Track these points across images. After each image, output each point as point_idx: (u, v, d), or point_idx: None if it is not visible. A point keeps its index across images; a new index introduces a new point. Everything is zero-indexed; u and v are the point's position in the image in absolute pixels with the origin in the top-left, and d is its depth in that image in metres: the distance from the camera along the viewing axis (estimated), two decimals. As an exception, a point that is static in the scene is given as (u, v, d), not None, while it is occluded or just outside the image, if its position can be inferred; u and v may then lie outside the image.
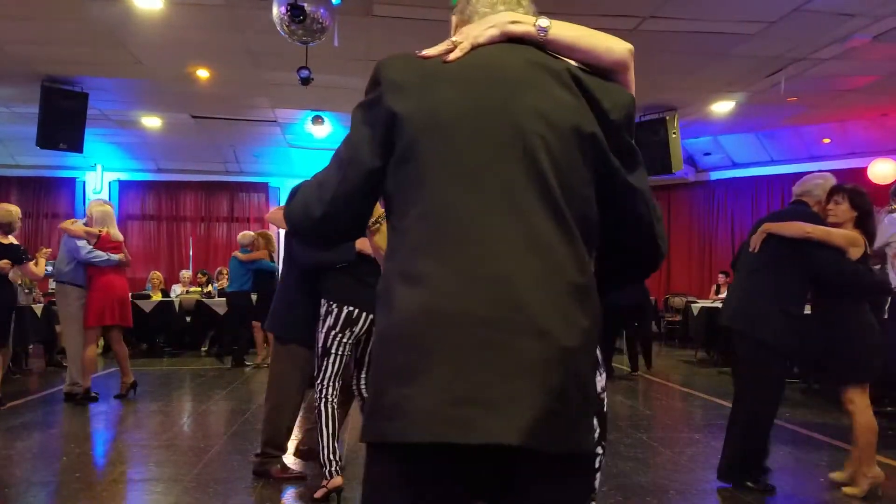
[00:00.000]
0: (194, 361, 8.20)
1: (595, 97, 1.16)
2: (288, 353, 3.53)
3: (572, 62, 1.19)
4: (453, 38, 1.19)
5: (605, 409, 1.24)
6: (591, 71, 1.20)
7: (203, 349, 9.74)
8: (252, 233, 8.31)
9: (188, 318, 9.55)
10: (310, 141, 10.33)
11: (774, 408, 3.52)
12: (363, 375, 3.49)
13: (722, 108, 8.69)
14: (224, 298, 8.61)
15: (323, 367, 3.24)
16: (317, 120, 8.68)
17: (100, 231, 5.85)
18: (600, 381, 1.21)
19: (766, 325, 3.40)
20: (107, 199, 9.04)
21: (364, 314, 3.21)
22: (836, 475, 3.64)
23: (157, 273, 10.67)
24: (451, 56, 1.16)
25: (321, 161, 10.36)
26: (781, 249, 3.44)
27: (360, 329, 3.25)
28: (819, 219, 3.53)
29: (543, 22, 1.19)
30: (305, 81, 6.14)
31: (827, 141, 10.21)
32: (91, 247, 5.74)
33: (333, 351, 3.22)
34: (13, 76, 7.36)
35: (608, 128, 1.16)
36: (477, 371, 1.00)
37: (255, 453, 3.78)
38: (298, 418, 3.87)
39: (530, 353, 1.01)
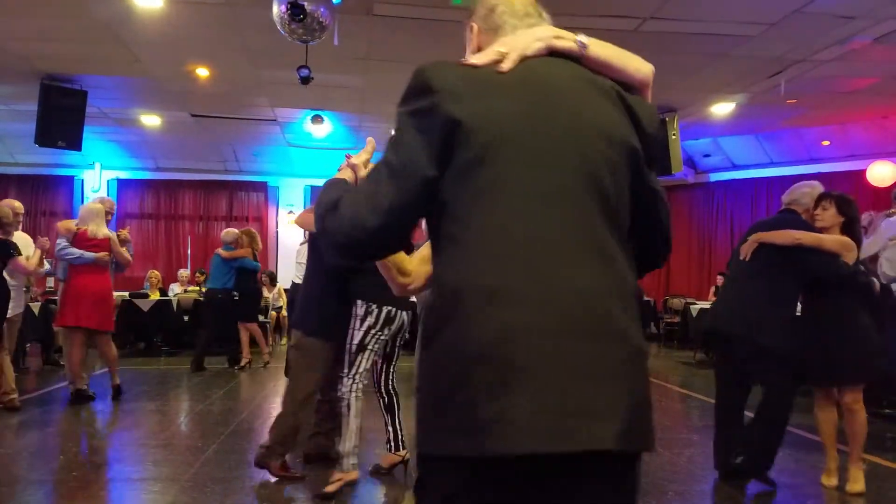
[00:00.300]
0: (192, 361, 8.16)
1: (635, 112, 1.23)
2: (315, 350, 3.60)
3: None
4: (498, 49, 1.20)
5: None
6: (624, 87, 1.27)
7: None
8: (236, 230, 8.16)
9: (186, 318, 9.53)
10: (309, 140, 10.32)
11: (789, 409, 3.59)
12: (392, 370, 3.78)
13: (722, 109, 8.69)
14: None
15: (357, 363, 3.44)
16: (316, 119, 8.66)
17: (77, 228, 5.73)
18: None
19: (765, 330, 3.46)
20: (105, 196, 8.91)
21: (400, 312, 3.48)
22: (827, 480, 3.65)
23: (156, 272, 10.65)
24: (504, 67, 1.17)
25: (321, 160, 10.40)
26: (773, 257, 3.52)
27: (396, 327, 3.52)
28: (809, 226, 3.59)
29: (584, 39, 1.26)
30: (305, 80, 6.12)
31: (826, 143, 10.21)
32: (66, 243, 5.65)
33: (369, 347, 3.45)
34: (12, 73, 7.34)
35: (644, 140, 1.23)
36: (572, 380, 1.03)
37: (261, 444, 3.78)
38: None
39: (618, 358, 1.08)
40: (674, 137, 8.48)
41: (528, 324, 1.04)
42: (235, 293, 7.71)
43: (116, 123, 9.69)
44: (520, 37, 1.24)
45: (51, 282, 11.54)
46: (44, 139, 7.67)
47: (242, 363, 7.92)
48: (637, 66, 1.30)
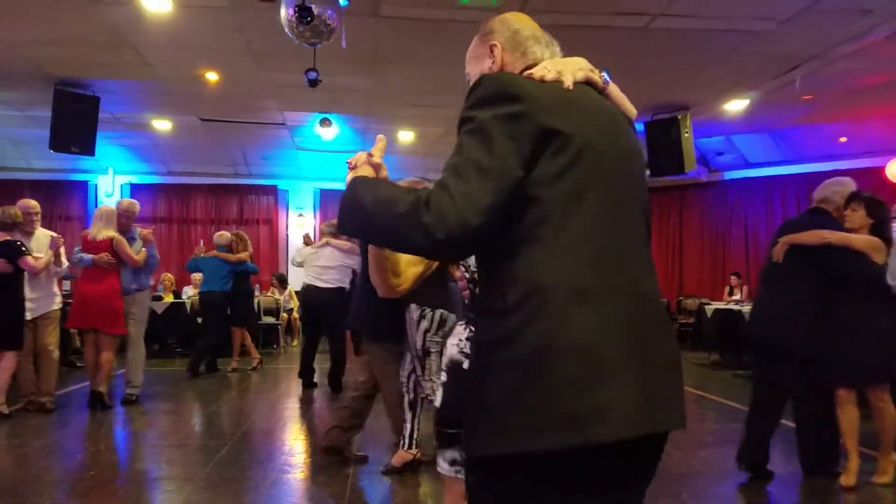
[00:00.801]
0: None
1: (637, 139, 1.44)
2: (386, 353, 3.85)
3: None
4: (557, 69, 1.31)
5: None
6: None
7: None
8: (228, 233, 8.19)
9: (199, 320, 9.56)
10: (318, 143, 10.34)
11: (828, 405, 3.61)
12: (425, 368, 3.84)
13: (735, 106, 8.61)
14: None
15: (427, 366, 3.59)
16: (324, 122, 8.67)
17: (84, 232, 5.99)
18: None
19: (792, 335, 3.48)
20: (129, 198, 8.73)
21: (450, 315, 3.54)
22: (845, 480, 3.59)
23: (169, 275, 10.71)
24: (568, 85, 1.30)
25: (329, 163, 10.38)
26: (803, 259, 3.53)
27: (448, 329, 3.55)
28: (839, 225, 3.57)
29: (606, 76, 1.45)
30: (313, 83, 6.13)
31: (843, 140, 10.08)
32: (77, 248, 5.83)
33: (432, 350, 3.55)
34: (26, 79, 7.40)
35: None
36: (655, 374, 1.21)
37: (335, 425, 4.00)
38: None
39: (674, 355, 1.29)
40: (686, 135, 8.41)
41: (617, 323, 1.18)
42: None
43: (128, 128, 9.75)
44: (567, 63, 1.37)
45: (67, 284, 11.67)
46: (57, 144, 7.73)
47: (234, 366, 7.87)
48: (630, 107, 1.49)
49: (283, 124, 9.59)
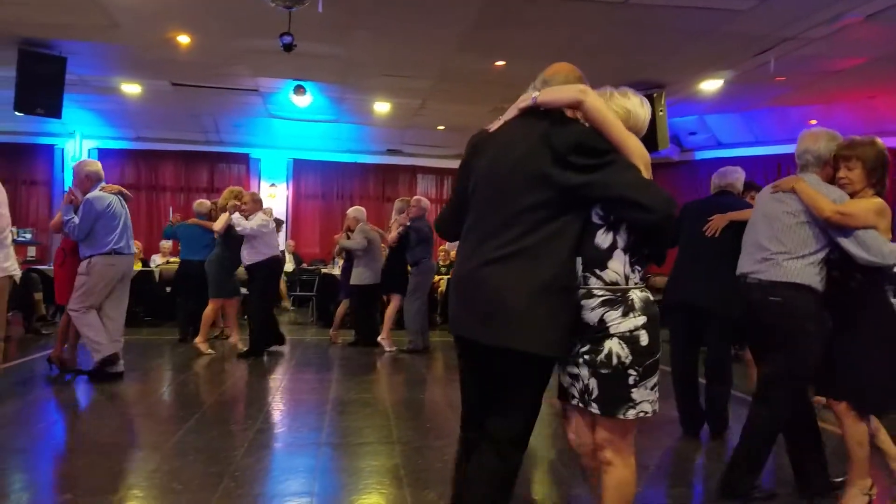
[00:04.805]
0: (174, 332, 8.10)
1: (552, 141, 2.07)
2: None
3: None
4: (499, 117, 2.19)
5: None
6: None
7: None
8: (208, 202, 8.07)
9: (168, 289, 9.45)
10: (291, 111, 10.19)
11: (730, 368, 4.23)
12: None
13: (710, 86, 8.67)
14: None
15: None
16: (299, 90, 8.54)
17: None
18: None
19: (733, 305, 3.43)
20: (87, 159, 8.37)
21: None
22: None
23: (137, 243, 10.51)
24: (490, 128, 2.21)
25: (303, 133, 10.26)
26: (734, 237, 3.67)
27: None
28: (747, 204, 4.00)
29: (534, 94, 2.09)
30: (288, 48, 6.03)
31: (813, 122, 10.22)
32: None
33: None
34: (-12, 38, 7.16)
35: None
36: (462, 302, 2.19)
37: None
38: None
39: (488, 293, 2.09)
40: (661, 114, 8.46)
41: (455, 280, 2.18)
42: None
43: (96, 91, 9.49)
44: (513, 106, 2.10)
45: (32, 251, 11.42)
46: (22, 106, 7.52)
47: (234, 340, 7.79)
48: (561, 95, 2.00)
49: (257, 91, 9.43)
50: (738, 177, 4.28)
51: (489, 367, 2.04)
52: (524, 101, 2.03)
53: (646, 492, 3.21)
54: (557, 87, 2.01)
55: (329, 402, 4.91)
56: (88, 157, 11.92)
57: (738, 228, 3.61)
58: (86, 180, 5.52)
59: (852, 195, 2.90)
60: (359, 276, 7.51)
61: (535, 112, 2.01)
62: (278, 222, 6.64)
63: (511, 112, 2.06)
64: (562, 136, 1.92)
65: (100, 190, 5.51)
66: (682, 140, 11.95)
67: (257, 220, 6.78)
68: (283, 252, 7.70)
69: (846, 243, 2.82)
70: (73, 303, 5.40)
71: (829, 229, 2.86)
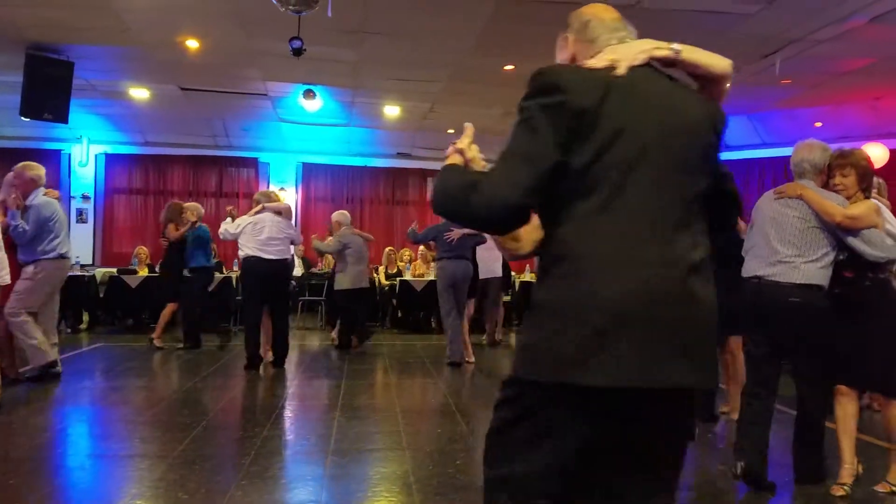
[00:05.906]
0: (181, 338, 8.10)
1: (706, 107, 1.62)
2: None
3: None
4: (611, 57, 1.44)
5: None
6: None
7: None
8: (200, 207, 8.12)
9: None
10: (301, 116, 10.18)
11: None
12: None
13: (717, 89, 8.61)
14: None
15: None
16: (308, 94, 8.53)
17: None
18: None
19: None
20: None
21: None
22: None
23: (144, 248, 10.53)
24: (619, 72, 1.42)
25: (312, 136, 10.24)
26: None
27: None
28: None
29: (676, 46, 1.55)
30: (297, 52, 6.01)
31: (819, 125, 10.16)
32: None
33: None
34: (-4, 42, 7.17)
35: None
36: (656, 332, 1.37)
37: None
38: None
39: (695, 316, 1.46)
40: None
41: (635, 287, 1.35)
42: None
43: (104, 96, 9.51)
44: (631, 47, 1.48)
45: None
46: (29, 111, 7.53)
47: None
48: (718, 62, 1.61)
49: (266, 95, 9.42)
50: None
51: (625, 431, 1.40)
52: (658, 48, 1.51)
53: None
54: (707, 53, 1.59)
55: (338, 408, 4.88)
56: (95, 162, 11.96)
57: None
58: (30, 183, 5.50)
59: (846, 199, 3.20)
60: (338, 281, 7.64)
61: (653, 67, 1.51)
62: (277, 211, 6.51)
63: (633, 53, 1.47)
64: (723, 121, 1.60)
65: (43, 195, 5.53)
66: (689, 143, 11.88)
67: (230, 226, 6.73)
68: (292, 256, 7.67)
69: (855, 243, 3.10)
70: (12, 306, 5.25)
71: (838, 231, 3.12)
